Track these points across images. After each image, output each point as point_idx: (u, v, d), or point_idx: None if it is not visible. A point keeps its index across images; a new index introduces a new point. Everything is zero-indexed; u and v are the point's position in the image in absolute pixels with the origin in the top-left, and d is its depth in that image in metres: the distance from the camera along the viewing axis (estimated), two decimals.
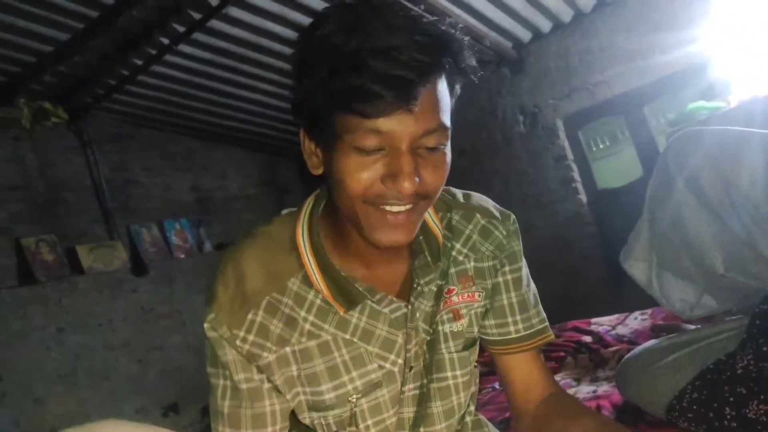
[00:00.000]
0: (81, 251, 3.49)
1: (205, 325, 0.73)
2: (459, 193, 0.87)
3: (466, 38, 0.65)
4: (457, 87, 0.68)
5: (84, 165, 3.75)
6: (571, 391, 1.70)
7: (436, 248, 0.79)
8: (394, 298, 0.77)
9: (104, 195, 3.76)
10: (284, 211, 0.82)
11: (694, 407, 1.17)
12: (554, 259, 4.15)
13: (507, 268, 0.85)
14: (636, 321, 2.30)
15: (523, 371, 0.86)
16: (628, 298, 3.03)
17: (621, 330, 2.24)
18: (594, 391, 1.65)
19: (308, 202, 0.79)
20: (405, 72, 0.58)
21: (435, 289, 0.79)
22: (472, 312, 0.83)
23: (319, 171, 0.70)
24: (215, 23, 2.99)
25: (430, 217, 0.81)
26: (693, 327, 1.66)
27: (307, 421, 0.78)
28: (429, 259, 0.78)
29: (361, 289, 0.75)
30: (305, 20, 3.02)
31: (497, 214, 0.86)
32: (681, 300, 1.40)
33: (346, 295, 0.74)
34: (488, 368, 2.24)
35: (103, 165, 3.83)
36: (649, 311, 2.34)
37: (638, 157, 3.89)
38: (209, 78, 3.59)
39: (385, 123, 0.60)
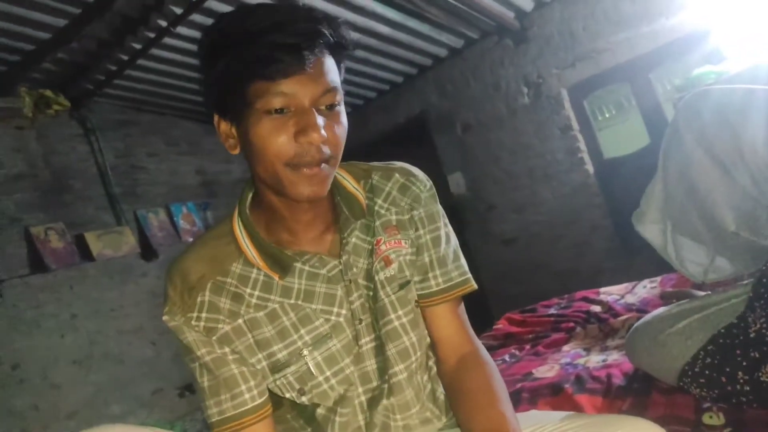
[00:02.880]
0: (90, 238, 3.51)
1: (164, 318, 0.83)
2: (380, 162, 0.98)
3: (339, 18, 0.79)
4: (342, 65, 0.81)
5: (88, 152, 3.75)
6: (581, 362, 1.71)
7: (358, 207, 0.89)
8: (325, 256, 0.86)
9: (110, 181, 3.77)
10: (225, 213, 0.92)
11: (707, 372, 1.18)
12: (563, 230, 4.13)
13: (427, 229, 0.93)
14: (645, 289, 2.30)
15: (443, 323, 0.93)
16: (639, 266, 3.04)
17: (630, 299, 2.24)
18: (604, 360, 1.66)
19: (239, 198, 0.89)
20: (296, 40, 0.71)
21: (368, 247, 0.89)
22: (401, 258, 0.91)
23: (237, 150, 0.81)
24: (212, 3, 2.95)
25: (349, 183, 0.91)
26: (702, 293, 1.65)
27: (273, 386, 0.86)
28: (348, 214, 0.88)
29: (290, 254, 0.84)
30: None
31: (416, 173, 0.96)
32: (694, 263, 1.40)
33: (278, 263, 0.84)
34: (499, 342, 2.26)
35: (108, 152, 3.84)
36: (658, 279, 2.34)
37: (645, 125, 3.84)
38: None
39: (287, 84, 0.72)
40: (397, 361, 0.88)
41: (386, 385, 0.88)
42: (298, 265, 0.85)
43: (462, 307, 0.97)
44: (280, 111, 0.73)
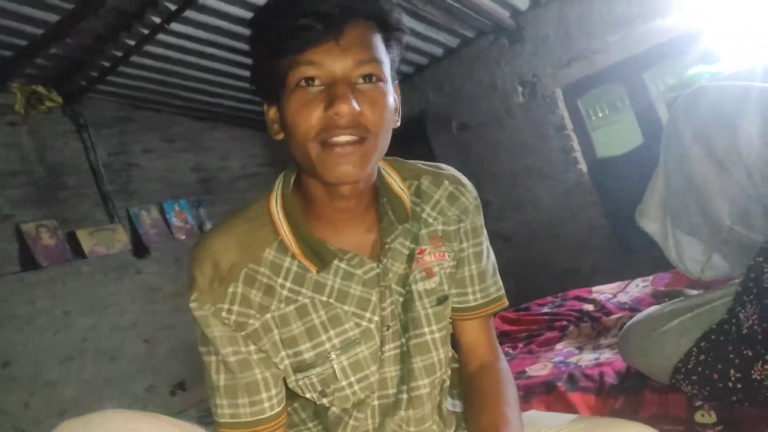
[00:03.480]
0: (81, 235, 3.49)
1: (192, 305, 0.77)
2: (428, 164, 0.94)
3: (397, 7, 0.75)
4: (393, 45, 0.76)
5: (81, 149, 3.74)
6: (573, 360, 1.72)
7: (403, 211, 0.85)
8: (366, 258, 0.82)
9: (102, 178, 3.76)
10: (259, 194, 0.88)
11: (699, 369, 1.18)
12: (560, 230, 4.14)
13: (470, 242, 0.91)
14: (637, 288, 2.31)
15: (472, 336, 0.94)
16: (637, 265, 3.05)
17: (622, 297, 2.25)
18: (597, 359, 1.67)
19: (279, 180, 0.85)
20: (329, 8, 0.67)
21: (407, 252, 0.85)
22: (443, 271, 0.89)
23: (281, 135, 0.77)
24: (207, 0, 2.94)
25: (396, 183, 0.87)
26: (695, 292, 1.66)
27: (294, 385, 0.82)
28: (393, 218, 0.83)
29: (332, 249, 0.80)
30: None
31: (465, 182, 0.92)
32: (693, 259, 1.41)
33: (318, 255, 0.79)
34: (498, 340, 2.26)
35: (101, 148, 3.82)
36: (650, 278, 2.34)
37: (638, 125, 3.86)
38: (205, 57, 3.55)
39: (317, 55, 0.69)
40: (422, 375, 0.86)
41: (405, 396, 0.86)
42: (337, 261, 0.80)
43: (492, 319, 0.97)
44: (310, 82, 0.70)
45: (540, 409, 1.43)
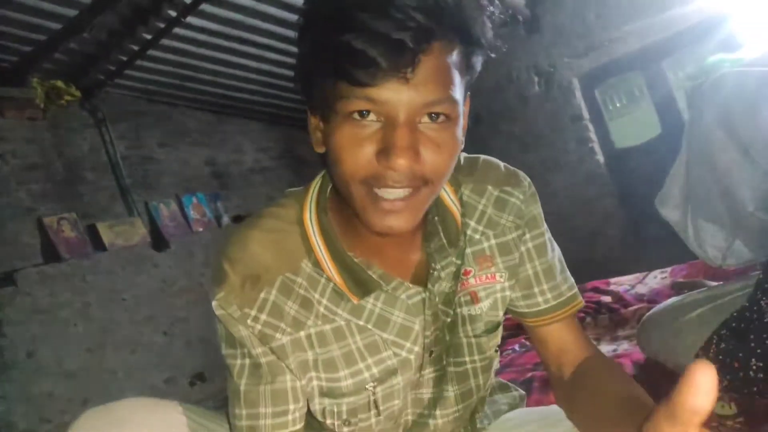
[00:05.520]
0: (102, 228, 3.54)
1: (213, 304, 0.69)
2: (463, 161, 0.80)
3: (487, 5, 0.59)
4: (475, 61, 0.63)
5: (100, 143, 3.77)
6: None
7: (454, 229, 0.74)
8: (410, 284, 0.72)
9: (121, 172, 3.79)
10: (288, 191, 0.77)
11: (720, 358, 1.17)
12: (576, 221, 4.12)
13: (528, 236, 0.78)
14: (656, 280, 2.30)
15: (557, 340, 0.80)
16: (653, 256, 3.02)
17: (640, 289, 2.24)
18: (614, 350, 1.66)
19: (315, 182, 0.75)
20: (402, 35, 0.52)
21: (453, 269, 0.74)
22: (497, 295, 0.78)
23: (322, 149, 0.66)
24: None
25: (447, 194, 0.75)
26: (715, 284, 1.64)
27: (316, 407, 0.74)
28: (444, 241, 0.73)
29: (375, 276, 0.70)
30: None
31: (510, 180, 0.79)
32: (713, 246, 1.40)
33: (360, 283, 0.70)
34: (508, 331, 2.26)
35: (119, 142, 3.85)
36: (668, 269, 2.32)
37: (657, 114, 3.81)
38: (220, 50, 3.56)
39: (378, 92, 0.55)
40: (457, 401, 0.79)
41: (437, 421, 0.80)
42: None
43: (576, 319, 0.82)
44: (364, 114, 0.57)
45: None
